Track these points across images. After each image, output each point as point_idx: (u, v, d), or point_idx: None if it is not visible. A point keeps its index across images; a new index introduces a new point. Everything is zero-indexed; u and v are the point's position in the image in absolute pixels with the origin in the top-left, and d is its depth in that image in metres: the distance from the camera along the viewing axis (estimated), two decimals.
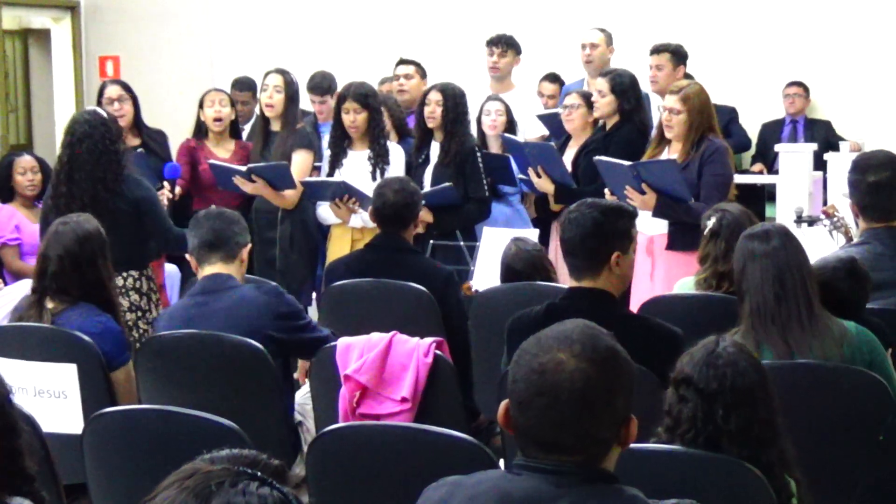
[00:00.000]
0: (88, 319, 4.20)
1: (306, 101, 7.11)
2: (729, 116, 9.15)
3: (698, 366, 2.79)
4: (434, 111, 6.49)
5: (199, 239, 4.31)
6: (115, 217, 5.16)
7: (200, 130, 6.79)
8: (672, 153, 5.75)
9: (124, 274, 5.30)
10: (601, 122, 6.64)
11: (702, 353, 2.81)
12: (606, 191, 5.77)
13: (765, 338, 3.63)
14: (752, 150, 9.49)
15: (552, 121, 7.19)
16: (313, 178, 6.46)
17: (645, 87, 7.18)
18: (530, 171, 6.46)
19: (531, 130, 7.28)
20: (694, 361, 2.81)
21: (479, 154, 6.49)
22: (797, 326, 3.63)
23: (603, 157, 5.87)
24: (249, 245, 4.38)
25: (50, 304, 4.24)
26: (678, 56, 7.15)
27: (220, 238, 4.28)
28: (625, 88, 6.48)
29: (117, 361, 4.21)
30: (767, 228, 3.82)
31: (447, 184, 6.29)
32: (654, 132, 6.04)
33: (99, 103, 6.55)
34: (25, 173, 6.69)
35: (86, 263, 4.26)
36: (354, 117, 6.40)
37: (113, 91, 6.59)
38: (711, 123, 5.76)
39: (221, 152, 6.69)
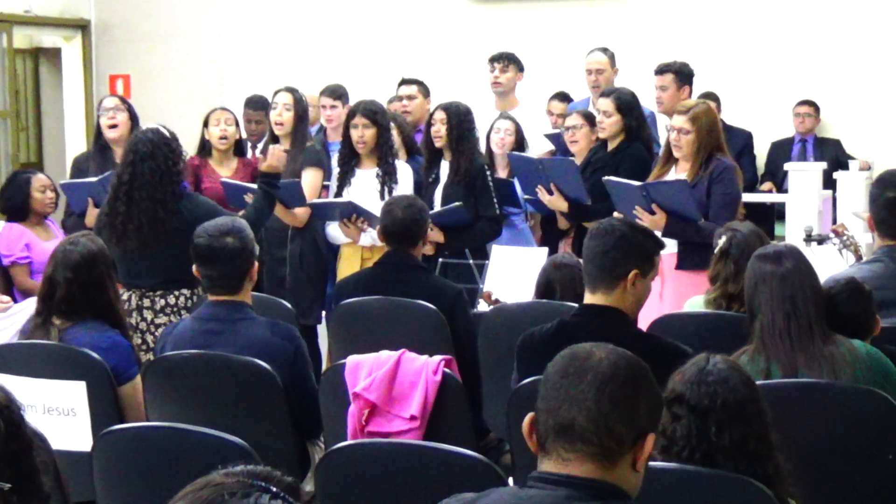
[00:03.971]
0: (96, 335, 4.20)
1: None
2: (743, 142, 9.14)
3: (689, 383, 2.79)
4: (439, 130, 6.52)
5: (207, 274, 4.22)
6: (171, 236, 5.12)
7: (204, 148, 6.83)
8: (680, 172, 5.75)
9: (176, 293, 5.27)
10: (599, 139, 6.61)
11: (692, 371, 2.81)
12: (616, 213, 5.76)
13: (774, 356, 3.63)
14: (762, 171, 9.49)
15: (558, 140, 7.20)
16: (321, 200, 6.46)
17: (651, 106, 7.20)
18: (540, 189, 6.42)
19: (536, 147, 7.29)
20: (685, 379, 2.80)
21: (488, 172, 6.49)
22: (807, 346, 3.62)
23: (613, 178, 5.86)
24: (256, 265, 4.33)
25: (57, 321, 4.23)
26: (682, 76, 7.15)
27: (230, 276, 4.21)
28: (630, 107, 6.47)
29: (125, 376, 4.21)
30: (780, 250, 3.80)
31: (457, 203, 6.29)
32: (661, 151, 6.04)
33: (98, 116, 6.65)
34: (45, 192, 6.70)
35: (94, 287, 4.23)
36: (363, 132, 6.40)
37: (109, 102, 6.69)
38: (719, 142, 5.77)
39: (224, 171, 6.72)
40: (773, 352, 3.63)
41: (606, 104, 6.46)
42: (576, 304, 4.02)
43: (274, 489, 1.59)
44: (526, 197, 6.70)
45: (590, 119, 6.71)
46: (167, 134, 5.35)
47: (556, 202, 6.41)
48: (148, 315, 5.26)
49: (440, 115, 6.54)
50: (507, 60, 7.57)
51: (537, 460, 2.26)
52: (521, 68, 7.64)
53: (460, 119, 6.49)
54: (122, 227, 5.15)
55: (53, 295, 4.22)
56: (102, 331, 4.23)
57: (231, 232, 4.19)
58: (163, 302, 5.27)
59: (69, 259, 4.22)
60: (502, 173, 6.90)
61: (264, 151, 7.00)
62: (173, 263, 5.05)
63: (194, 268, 4.26)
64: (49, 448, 2.64)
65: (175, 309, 5.26)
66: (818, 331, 3.64)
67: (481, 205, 6.42)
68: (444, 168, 6.57)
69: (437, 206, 6.37)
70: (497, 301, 5.53)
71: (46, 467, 2.29)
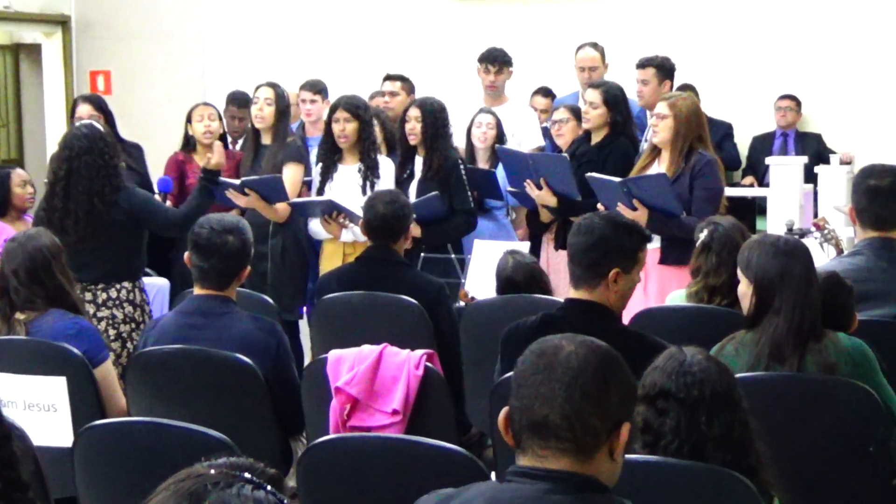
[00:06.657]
0: (63, 322, 4.19)
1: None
2: (724, 132, 9.17)
3: (673, 376, 2.77)
4: (414, 128, 6.51)
5: (199, 265, 4.19)
6: (110, 230, 5.20)
7: (188, 144, 6.83)
8: (661, 165, 5.75)
9: (117, 286, 5.30)
10: (584, 132, 6.60)
11: (673, 364, 2.79)
12: (600, 206, 5.75)
13: (778, 359, 3.59)
14: (743, 164, 9.51)
15: (546, 133, 7.20)
16: (301, 199, 6.45)
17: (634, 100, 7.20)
18: (529, 183, 6.39)
19: (527, 142, 7.28)
20: (667, 373, 2.78)
21: (462, 167, 6.49)
22: (811, 345, 3.60)
23: (595, 175, 5.85)
24: (248, 268, 4.31)
25: (21, 316, 4.21)
26: (663, 70, 7.15)
27: (222, 273, 4.19)
28: (617, 101, 6.45)
29: (98, 360, 4.20)
30: (795, 245, 3.70)
31: (433, 193, 6.28)
32: (646, 145, 6.04)
33: (71, 121, 6.60)
34: (26, 186, 6.69)
35: (42, 272, 4.21)
36: (344, 126, 6.39)
37: (83, 111, 6.63)
38: (701, 135, 5.76)
39: None
40: (782, 353, 3.59)
41: (594, 95, 6.43)
42: (560, 299, 4.02)
43: (257, 480, 1.59)
44: (511, 189, 6.67)
45: (577, 114, 6.69)
46: (101, 129, 5.37)
47: (545, 197, 6.36)
48: (90, 308, 5.27)
49: (415, 113, 6.53)
50: (500, 63, 7.51)
51: (515, 455, 2.26)
52: (510, 64, 7.61)
53: (435, 116, 6.48)
54: (59, 223, 5.16)
55: (7, 289, 4.22)
56: (67, 318, 4.22)
57: (234, 231, 4.19)
58: (104, 295, 5.28)
59: (11, 253, 4.23)
60: (483, 167, 6.89)
61: (244, 149, 7.01)
62: (114, 257, 5.18)
63: (186, 256, 4.24)
64: (25, 437, 2.63)
65: (117, 302, 5.27)
66: (816, 329, 3.62)
67: (456, 199, 6.42)
68: (419, 164, 6.56)
69: (412, 202, 6.35)
70: (473, 299, 5.53)
71: (25, 457, 2.29)
